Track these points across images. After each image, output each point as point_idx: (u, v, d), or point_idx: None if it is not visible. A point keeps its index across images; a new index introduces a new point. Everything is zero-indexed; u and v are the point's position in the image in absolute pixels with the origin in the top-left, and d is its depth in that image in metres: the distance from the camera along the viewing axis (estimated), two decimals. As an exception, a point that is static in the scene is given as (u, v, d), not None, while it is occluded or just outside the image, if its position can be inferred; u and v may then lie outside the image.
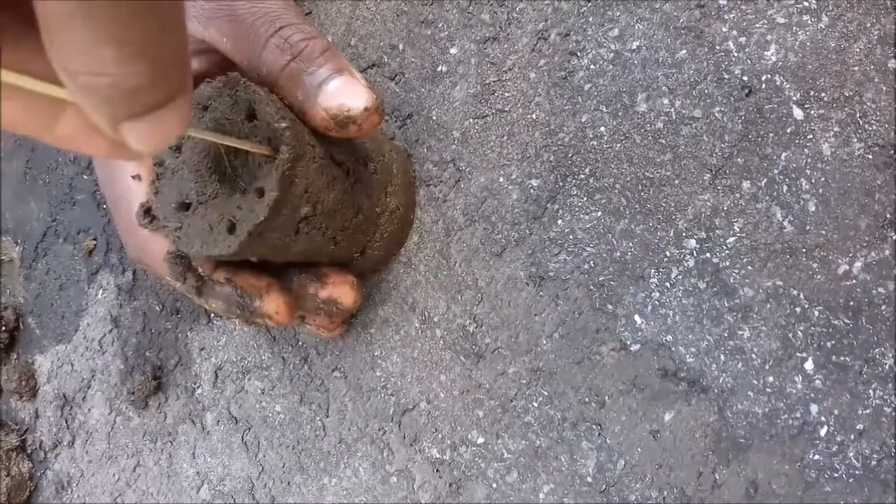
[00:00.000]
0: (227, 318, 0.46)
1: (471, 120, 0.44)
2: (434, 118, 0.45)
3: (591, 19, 0.40)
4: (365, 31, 0.48)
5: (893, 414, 0.31)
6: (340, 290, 0.41)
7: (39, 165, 0.69)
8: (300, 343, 0.50)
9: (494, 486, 0.41)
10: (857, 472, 0.32)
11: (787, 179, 0.34)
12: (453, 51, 0.45)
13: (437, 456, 0.43)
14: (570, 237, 0.40)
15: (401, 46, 0.47)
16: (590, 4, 0.40)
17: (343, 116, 0.35)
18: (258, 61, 0.36)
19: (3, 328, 0.69)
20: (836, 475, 0.32)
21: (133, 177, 0.39)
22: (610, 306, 0.39)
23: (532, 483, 0.40)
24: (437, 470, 0.43)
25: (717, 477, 0.35)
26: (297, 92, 0.36)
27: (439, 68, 0.45)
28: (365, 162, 0.41)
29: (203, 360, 0.55)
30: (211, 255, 0.36)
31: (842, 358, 0.33)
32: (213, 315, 0.55)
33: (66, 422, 0.64)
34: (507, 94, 0.43)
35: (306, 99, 0.35)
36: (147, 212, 0.39)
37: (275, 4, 0.38)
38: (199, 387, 0.55)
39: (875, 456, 0.32)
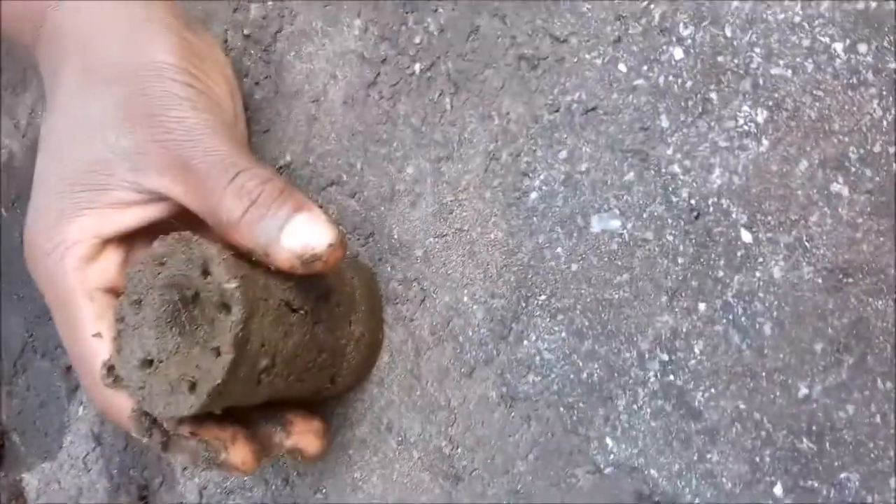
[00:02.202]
0: (194, 468, 0.46)
1: (432, 239, 0.44)
2: (396, 237, 0.45)
3: (539, 141, 0.40)
4: (322, 149, 0.49)
5: (863, 542, 0.32)
6: (305, 441, 0.41)
7: (13, 281, 0.69)
8: (282, 463, 0.50)
9: None
10: None
11: (741, 303, 0.35)
12: (409, 170, 0.45)
13: (423, 582, 0.43)
14: (537, 358, 0.40)
15: (358, 165, 0.47)
16: (537, 126, 0.41)
17: (309, 255, 0.35)
18: (217, 209, 0.37)
19: (-12, 447, 0.69)
20: None
21: (94, 335, 0.39)
22: (581, 428, 0.39)
23: None
24: None
25: None
26: (258, 236, 0.36)
27: (397, 187, 0.45)
28: (326, 297, 0.41)
29: (186, 479, 0.55)
30: (174, 417, 0.36)
31: (809, 482, 0.33)
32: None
33: (57, 542, 0.64)
34: (464, 214, 0.43)
35: (268, 242, 0.36)
36: (110, 370, 0.39)
37: (225, 150, 0.38)
38: (184, 507, 0.55)
39: (850, 583, 0.32)
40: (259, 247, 0.36)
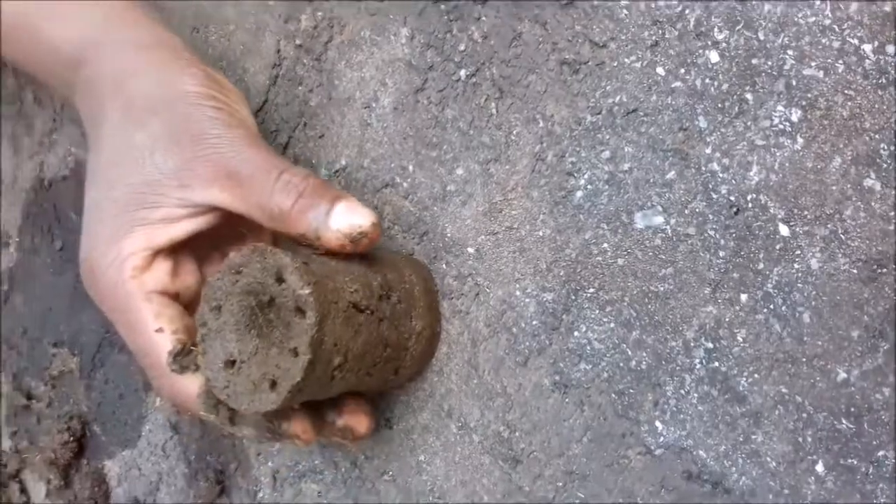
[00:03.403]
0: (258, 442, 0.50)
1: (483, 236, 0.47)
2: (449, 235, 0.48)
3: (582, 142, 0.43)
4: (376, 153, 0.51)
5: (901, 515, 0.34)
6: (356, 420, 0.46)
7: (87, 281, 0.73)
8: (349, 447, 0.53)
9: (544, 583, 0.44)
10: (874, 569, 0.34)
11: (780, 293, 0.37)
12: (459, 171, 0.48)
13: (488, 557, 0.46)
14: (588, 348, 0.43)
15: (410, 167, 0.50)
16: (580, 128, 0.43)
17: (357, 233, 0.41)
18: (267, 204, 0.42)
19: (72, 438, 0.73)
20: (855, 571, 0.35)
21: (156, 330, 0.44)
22: (632, 412, 0.41)
23: (578, 580, 0.43)
24: (489, 570, 0.46)
25: (748, 573, 0.37)
26: (311, 222, 0.41)
27: (448, 187, 0.48)
28: (388, 295, 0.44)
29: (260, 464, 0.59)
30: (258, 411, 0.40)
31: (849, 460, 0.35)
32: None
33: (141, 524, 0.68)
34: (513, 213, 0.45)
35: (319, 226, 0.41)
36: (175, 357, 0.43)
37: (263, 156, 0.44)
38: (260, 490, 0.59)
39: (889, 553, 0.34)
40: (311, 231, 0.41)
